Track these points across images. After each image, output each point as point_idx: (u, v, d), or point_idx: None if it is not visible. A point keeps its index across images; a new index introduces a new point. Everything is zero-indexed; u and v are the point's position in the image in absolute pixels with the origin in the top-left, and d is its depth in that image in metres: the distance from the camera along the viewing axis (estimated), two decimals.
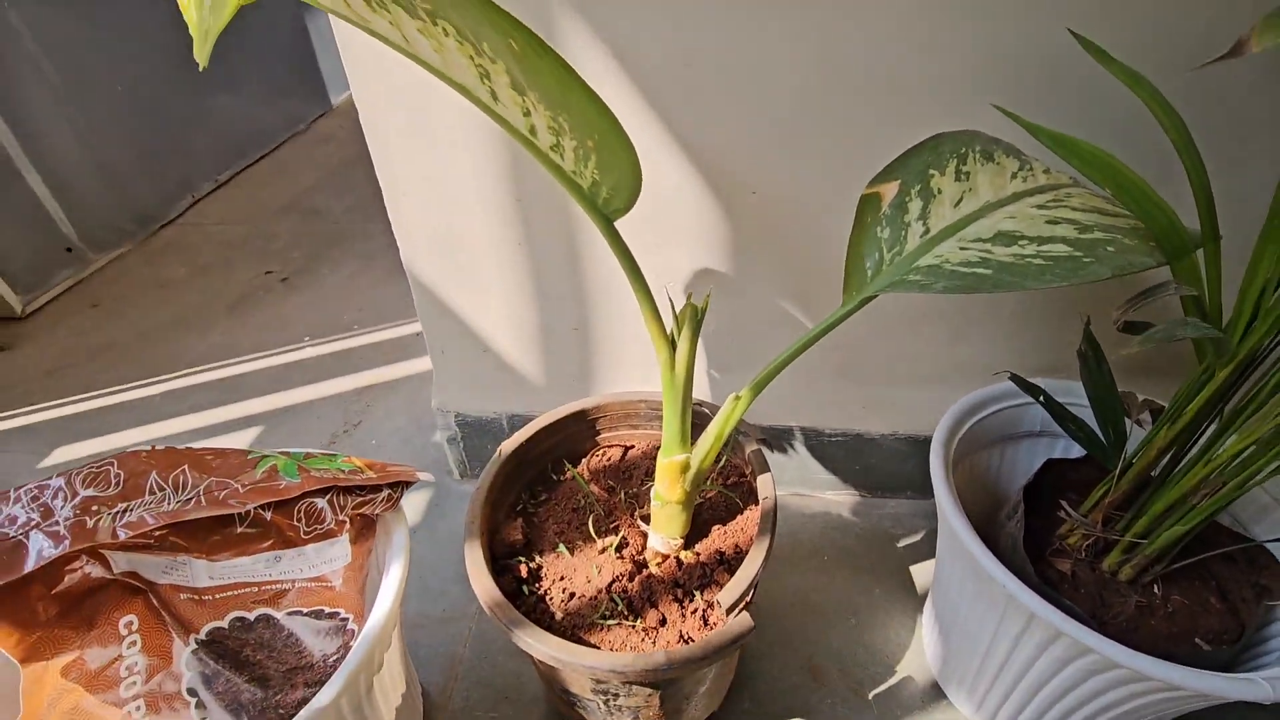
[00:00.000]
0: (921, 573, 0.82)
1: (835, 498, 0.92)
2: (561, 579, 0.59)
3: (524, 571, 0.60)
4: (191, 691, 0.58)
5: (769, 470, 0.61)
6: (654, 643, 0.54)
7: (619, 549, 0.61)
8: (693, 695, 0.60)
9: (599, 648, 0.53)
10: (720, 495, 0.65)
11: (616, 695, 0.55)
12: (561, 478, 0.69)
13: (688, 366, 0.50)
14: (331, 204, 1.81)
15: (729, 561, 0.59)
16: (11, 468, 1.05)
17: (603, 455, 0.71)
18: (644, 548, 0.61)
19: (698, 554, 0.61)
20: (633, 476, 0.69)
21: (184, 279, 1.53)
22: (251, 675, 0.59)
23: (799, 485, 0.91)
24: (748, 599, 0.53)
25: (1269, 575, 0.57)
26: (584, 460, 0.71)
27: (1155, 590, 0.57)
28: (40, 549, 0.50)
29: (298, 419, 1.12)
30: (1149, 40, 0.56)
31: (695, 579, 0.58)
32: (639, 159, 0.39)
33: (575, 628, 0.55)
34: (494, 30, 0.31)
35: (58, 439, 1.10)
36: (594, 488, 0.67)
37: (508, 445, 0.65)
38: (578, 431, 0.71)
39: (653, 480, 0.64)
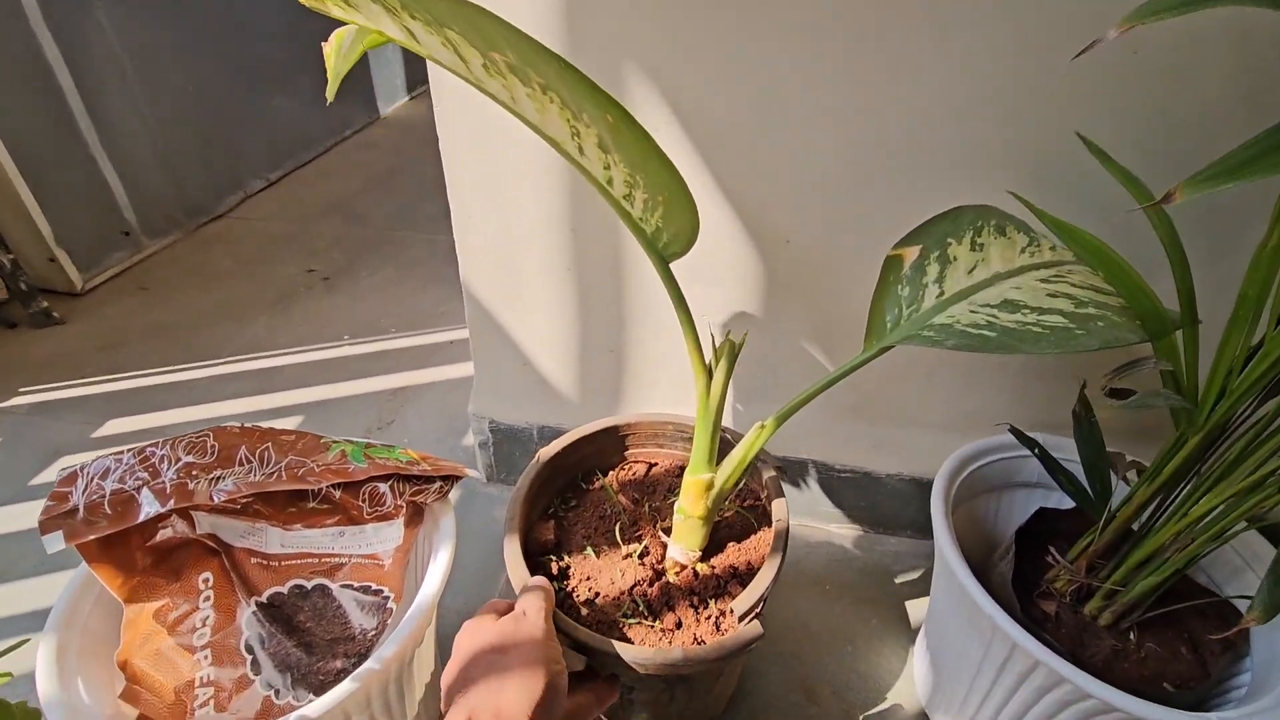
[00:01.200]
0: (916, 608, 0.87)
1: (840, 530, 0.97)
2: (588, 578, 0.64)
3: (554, 569, 0.65)
4: (248, 648, 0.63)
5: (784, 495, 0.67)
6: (670, 642, 0.58)
7: (641, 556, 0.66)
8: (701, 696, 0.65)
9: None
10: (737, 515, 0.70)
11: (632, 688, 0.60)
12: (590, 487, 0.75)
13: (721, 394, 0.55)
14: (373, 210, 1.90)
15: (741, 576, 0.64)
16: (67, 435, 1.11)
17: (630, 469, 0.77)
18: (664, 557, 0.66)
19: (713, 567, 0.65)
20: (656, 491, 0.74)
21: (229, 270, 1.61)
22: (300, 641, 0.63)
23: (807, 516, 0.97)
24: (758, 610, 0.58)
25: (1237, 633, 0.62)
26: (612, 472, 0.76)
27: (1131, 636, 0.62)
28: (149, 504, 0.56)
29: (334, 412, 1.18)
30: (1149, 149, 0.63)
31: (710, 589, 0.63)
32: (699, 216, 0.45)
33: (599, 622, 0.59)
34: (594, 105, 0.36)
35: (109, 411, 1.17)
36: (621, 498, 0.72)
37: (545, 452, 0.71)
38: (608, 445, 0.76)
39: (674, 495, 0.70)
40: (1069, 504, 0.73)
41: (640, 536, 0.68)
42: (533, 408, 0.94)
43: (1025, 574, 0.67)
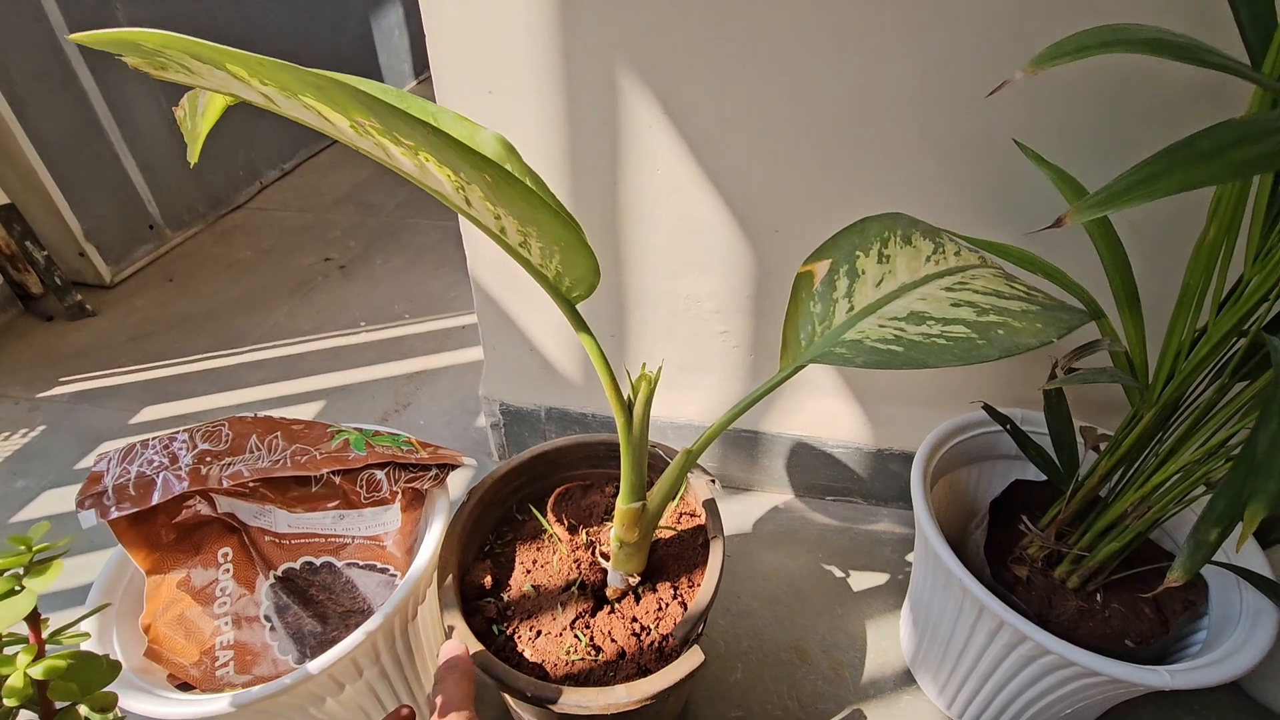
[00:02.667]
0: (904, 574, 0.92)
1: (833, 502, 1.02)
2: (529, 617, 0.62)
3: (493, 611, 0.63)
4: (267, 617, 0.69)
5: (718, 510, 0.67)
6: (615, 674, 0.57)
7: (580, 586, 0.65)
8: (654, 718, 0.65)
9: (564, 683, 0.56)
10: (675, 534, 0.70)
11: None
12: (526, 519, 0.73)
13: (642, 427, 0.54)
14: (385, 199, 1.94)
15: (683, 595, 0.64)
16: (106, 423, 1.19)
17: (565, 495, 0.74)
18: (604, 584, 0.65)
19: (654, 589, 0.64)
20: (593, 515, 0.72)
21: (250, 261, 1.67)
22: (314, 612, 0.68)
23: (800, 489, 1.02)
24: (699, 632, 0.58)
25: (1196, 593, 0.66)
26: (547, 500, 0.74)
27: (1097, 598, 0.67)
28: (165, 487, 0.62)
29: (353, 397, 1.25)
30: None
31: (652, 613, 0.62)
32: (598, 262, 0.43)
33: (542, 663, 0.58)
34: (470, 166, 0.34)
35: (144, 399, 1.24)
36: (557, 528, 0.70)
37: (475, 490, 0.69)
38: (541, 472, 0.75)
39: (612, 518, 0.68)
40: (1043, 478, 0.77)
41: (579, 564, 0.67)
42: (540, 391, 0.99)
43: (1001, 542, 0.72)
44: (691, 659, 0.55)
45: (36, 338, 1.41)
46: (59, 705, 0.32)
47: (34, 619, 0.31)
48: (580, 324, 0.49)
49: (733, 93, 0.70)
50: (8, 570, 0.30)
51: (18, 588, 0.30)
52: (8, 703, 0.30)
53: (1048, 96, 0.66)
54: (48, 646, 0.33)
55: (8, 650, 0.31)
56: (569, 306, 0.48)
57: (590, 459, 0.76)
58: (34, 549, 0.31)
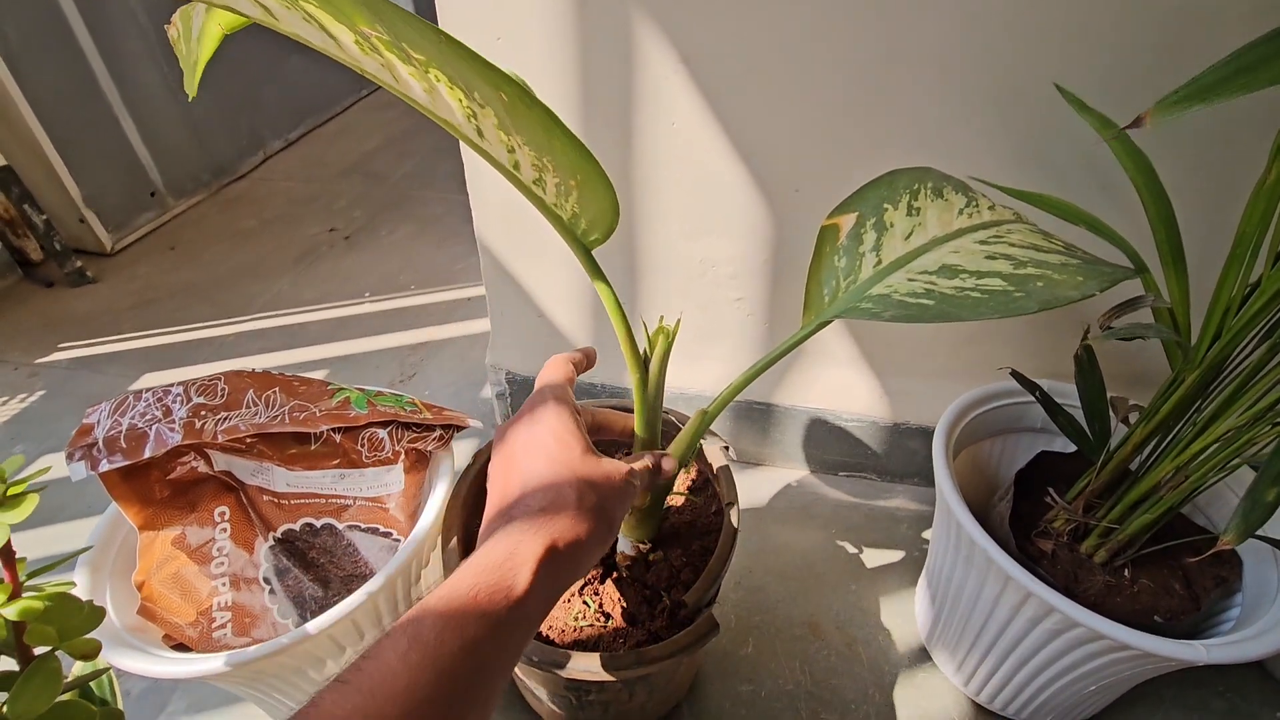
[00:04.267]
0: (920, 552, 0.89)
1: (847, 478, 0.99)
2: None
3: None
4: (266, 580, 0.66)
5: (732, 477, 0.64)
6: (625, 641, 0.55)
7: None
8: (662, 688, 0.63)
9: (572, 649, 0.54)
10: (687, 501, 0.68)
11: (588, 692, 0.59)
12: None
13: (658, 384, 0.51)
14: (391, 169, 1.91)
15: (695, 563, 0.62)
16: (106, 388, 1.17)
17: None
18: (612, 551, 0.63)
19: (665, 556, 0.62)
20: None
21: (254, 230, 1.64)
22: (315, 575, 0.66)
23: (814, 464, 0.99)
24: (713, 597, 0.56)
25: (1229, 569, 0.63)
26: None
27: (1125, 573, 0.64)
28: (158, 440, 0.60)
29: (358, 367, 1.22)
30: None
31: (663, 579, 0.60)
32: (617, 199, 0.40)
33: (549, 629, 0.57)
34: (485, 82, 0.32)
35: (145, 366, 1.22)
36: None
37: (480, 455, 0.67)
38: None
39: None
40: (1069, 450, 0.74)
41: None
42: (547, 358, 0.97)
43: (1025, 515, 0.69)
44: (705, 624, 0.53)
45: (36, 304, 1.39)
46: (37, 651, 0.30)
47: (8, 556, 0.29)
48: (596, 271, 0.46)
49: (756, 37, 0.67)
50: None
51: None
52: None
53: (1088, 40, 0.62)
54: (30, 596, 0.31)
55: None
56: (585, 252, 0.45)
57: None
58: (6, 481, 0.29)
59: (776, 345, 0.49)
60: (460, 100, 0.33)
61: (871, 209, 0.52)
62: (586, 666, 0.51)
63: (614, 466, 0.43)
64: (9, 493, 0.29)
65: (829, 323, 0.48)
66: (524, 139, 0.35)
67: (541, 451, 0.42)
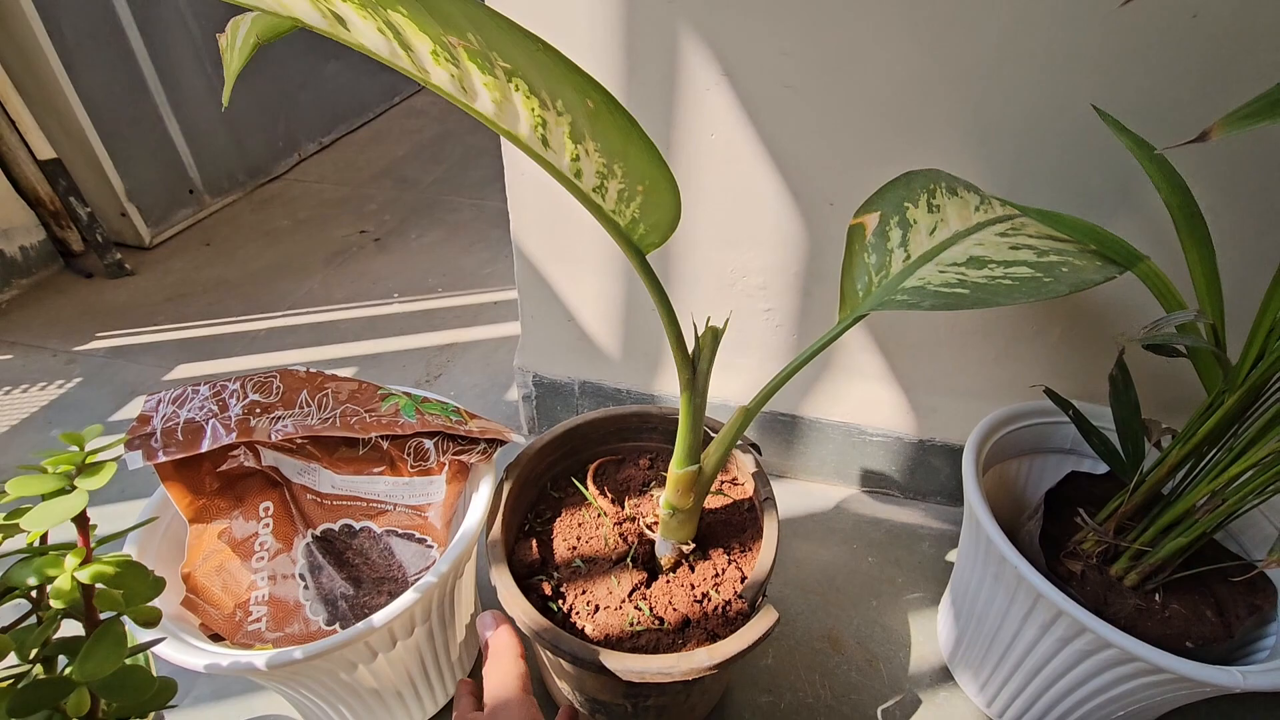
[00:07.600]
0: (942, 570, 0.89)
1: (870, 493, 0.99)
2: (584, 592, 0.60)
3: (547, 589, 0.61)
4: (301, 576, 0.68)
5: (764, 471, 0.66)
6: (684, 642, 0.55)
7: (633, 559, 0.63)
8: (713, 689, 0.64)
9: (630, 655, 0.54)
10: (723, 499, 0.69)
11: (647, 697, 0.59)
12: (561, 495, 0.71)
13: (704, 384, 0.52)
14: (421, 175, 1.94)
15: (737, 560, 0.62)
16: (141, 377, 1.19)
17: (600, 470, 0.73)
18: (652, 555, 0.63)
19: (706, 556, 0.63)
20: (630, 487, 0.71)
21: (286, 230, 1.67)
22: (348, 575, 0.67)
23: (837, 478, 0.99)
24: (764, 594, 0.56)
25: (1263, 597, 0.63)
26: (581, 475, 0.72)
27: (1156, 597, 0.64)
28: (214, 435, 0.61)
29: (386, 366, 1.24)
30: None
31: (710, 579, 0.61)
32: (681, 202, 0.41)
33: (606, 638, 0.57)
34: (573, 89, 0.32)
35: (179, 357, 1.24)
36: (601, 501, 0.68)
37: (513, 468, 0.67)
38: (574, 447, 0.73)
39: (650, 489, 0.70)
40: (1100, 471, 0.74)
41: (626, 537, 0.65)
42: (575, 363, 0.98)
43: (1053, 535, 0.69)
44: (767, 618, 0.54)
45: (76, 293, 1.42)
46: (103, 615, 0.31)
47: (83, 522, 0.30)
48: (649, 274, 0.46)
49: (796, 54, 0.68)
50: (59, 468, 0.29)
51: (69, 487, 0.29)
52: (55, 604, 0.28)
53: (1125, 64, 0.63)
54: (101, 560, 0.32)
55: (54, 554, 0.30)
56: (638, 256, 0.45)
57: (620, 432, 0.74)
58: (86, 450, 0.30)
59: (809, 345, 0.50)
60: (533, 109, 0.33)
61: (893, 208, 0.55)
62: (660, 668, 0.50)
63: None
64: (88, 460, 0.30)
65: (864, 316, 0.50)
66: (598, 145, 0.35)
67: None
